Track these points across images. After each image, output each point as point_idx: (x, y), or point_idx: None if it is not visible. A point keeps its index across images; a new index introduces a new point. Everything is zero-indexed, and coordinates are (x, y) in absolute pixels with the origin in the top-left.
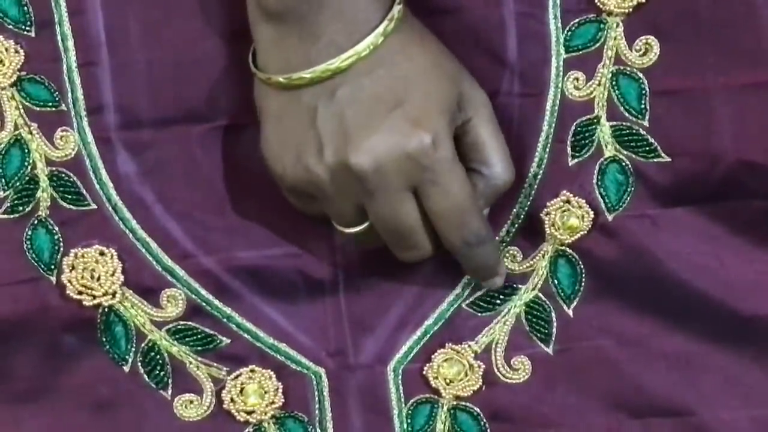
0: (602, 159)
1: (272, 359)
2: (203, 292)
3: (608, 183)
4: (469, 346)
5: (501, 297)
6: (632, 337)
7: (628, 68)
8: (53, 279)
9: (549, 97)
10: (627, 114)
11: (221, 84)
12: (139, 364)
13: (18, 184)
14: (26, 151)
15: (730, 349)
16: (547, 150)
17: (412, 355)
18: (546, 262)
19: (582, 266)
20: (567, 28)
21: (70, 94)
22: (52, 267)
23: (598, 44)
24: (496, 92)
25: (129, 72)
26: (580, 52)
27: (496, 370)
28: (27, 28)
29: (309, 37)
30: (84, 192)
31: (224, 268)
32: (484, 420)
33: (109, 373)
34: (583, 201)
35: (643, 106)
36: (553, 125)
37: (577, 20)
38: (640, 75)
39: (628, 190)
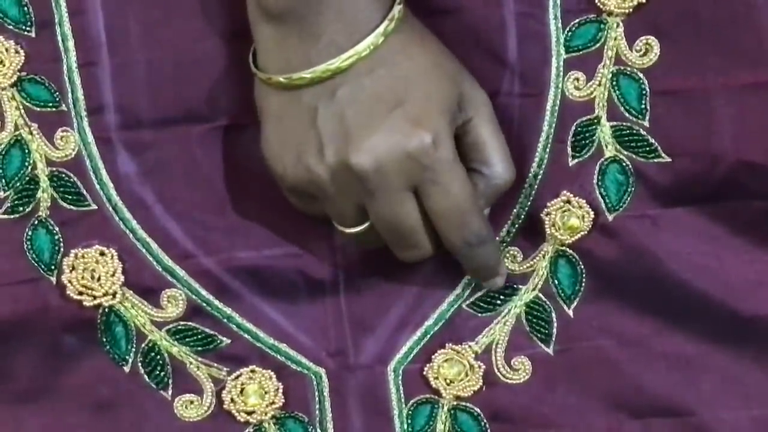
0: (602, 159)
1: (272, 359)
2: (203, 292)
3: (608, 183)
4: (470, 346)
5: (501, 297)
6: (632, 338)
7: (629, 68)
8: (53, 279)
9: (549, 98)
10: (627, 114)
11: (221, 84)
12: (140, 364)
13: (18, 184)
14: (26, 151)
15: (730, 349)
16: (548, 150)
17: (412, 355)
18: (546, 263)
19: (582, 266)
20: (567, 29)
21: (70, 95)
22: (53, 267)
23: (598, 44)
24: (497, 92)
25: (129, 72)
26: (581, 53)
27: (496, 370)
28: (27, 29)
29: (309, 37)
30: (84, 192)
31: (224, 269)
32: (485, 420)
33: (110, 374)
34: (584, 201)
35: (643, 106)
36: (554, 125)
37: (577, 20)
38: (641, 75)
39: (629, 190)
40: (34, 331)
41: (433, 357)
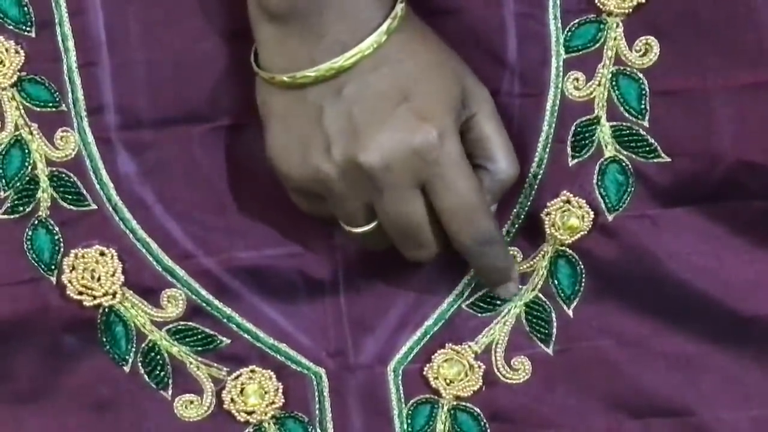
0: (602, 159)
1: (272, 359)
2: (203, 292)
3: (608, 183)
4: (469, 346)
5: (501, 298)
6: (632, 338)
7: (628, 68)
8: (53, 279)
9: (549, 98)
10: (627, 114)
11: (221, 84)
12: (140, 364)
13: (18, 184)
14: (26, 151)
15: (730, 349)
16: (547, 150)
17: (412, 355)
18: (546, 263)
19: (582, 266)
20: (567, 29)
21: (70, 95)
22: (53, 267)
23: (598, 44)
24: (497, 92)
25: (129, 72)
26: (580, 53)
27: (496, 370)
28: (27, 29)
29: (312, 36)
30: (84, 192)
31: (224, 269)
32: (484, 420)
33: (110, 374)
34: (583, 201)
35: (643, 106)
36: (553, 125)
37: (577, 20)
38: (640, 75)
39: (628, 190)
40: (34, 331)
41: (432, 357)
